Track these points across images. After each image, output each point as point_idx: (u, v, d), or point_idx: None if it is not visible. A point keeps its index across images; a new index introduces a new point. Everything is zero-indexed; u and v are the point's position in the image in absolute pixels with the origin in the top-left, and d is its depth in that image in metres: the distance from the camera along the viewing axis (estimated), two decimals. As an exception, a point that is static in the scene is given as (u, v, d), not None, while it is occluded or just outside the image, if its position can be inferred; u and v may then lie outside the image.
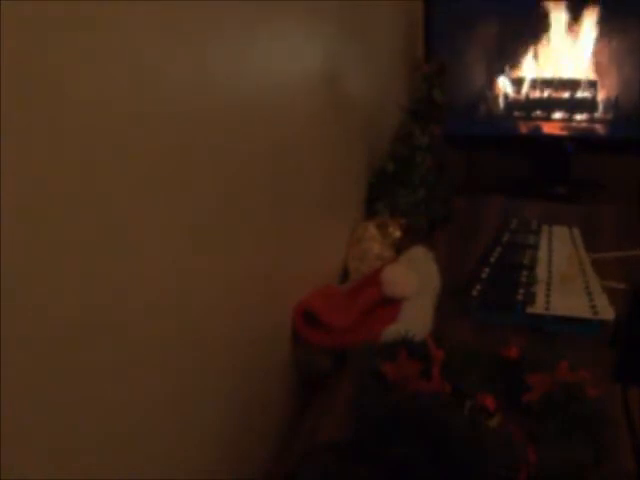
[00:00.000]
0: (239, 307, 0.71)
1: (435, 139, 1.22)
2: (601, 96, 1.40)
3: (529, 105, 1.47)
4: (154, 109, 0.53)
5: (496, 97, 1.48)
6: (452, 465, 0.57)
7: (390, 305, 0.93)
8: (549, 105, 1.45)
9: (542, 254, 1.09)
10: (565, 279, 0.99)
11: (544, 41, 1.42)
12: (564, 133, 1.45)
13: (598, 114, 1.41)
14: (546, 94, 1.45)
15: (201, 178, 0.61)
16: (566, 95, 1.43)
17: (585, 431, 0.62)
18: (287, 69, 0.82)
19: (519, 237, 1.17)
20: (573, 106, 1.43)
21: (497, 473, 0.56)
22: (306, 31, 0.90)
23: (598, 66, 1.39)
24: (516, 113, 1.48)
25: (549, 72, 1.44)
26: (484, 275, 1.02)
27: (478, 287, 0.99)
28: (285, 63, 0.82)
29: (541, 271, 1.03)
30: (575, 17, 1.38)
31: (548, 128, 1.46)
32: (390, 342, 0.76)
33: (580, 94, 1.42)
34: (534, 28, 1.42)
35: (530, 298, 0.94)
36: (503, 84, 1.47)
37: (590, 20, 1.37)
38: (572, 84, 1.42)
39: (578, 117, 1.44)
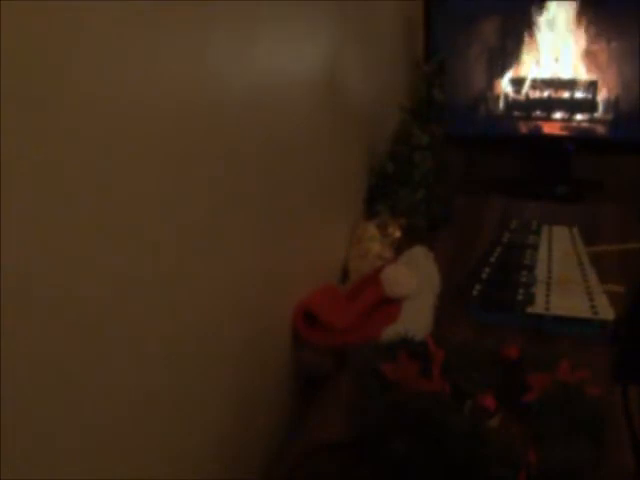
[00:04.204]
0: (239, 307, 0.71)
1: (435, 139, 1.22)
2: (601, 96, 1.40)
3: (529, 105, 1.47)
4: (152, 108, 0.53)
5: (496, 97, 1.48)
6: (452, 465, 0.57)
7: (390, 305, 0.93)
8: (549, 105, 1.45)
9: (542, 254, 1.09)
10: (563, 281, 0.99)
11: (544, 41, 1.42)
12: (564, 133, 1.45)
13: (598, 114, 1.41)
14: (546, 94, 1.45)
15: (200, 178, 0.61)
16: (566, 95, 1.43)
17: (585, 431, 0.62)
18: (287, 69, 0.82)
19: (519, 237, 1.17)
20: (573, 106, 1.43)
21: (497, 473, 0.56)
22: (306, 31, 0.90)
23: (598, 66, 1.39)
24: (516, 113, 1.48)
25: (549, 72, 1.44)
26: (484, 275, 1.02)
27: (478, 287, 0.99)
28: (285, 63, 0.82)
29: (541, 271, 1.03)
30: (575, 17, 1.38)
31: (548, 128, 1.46)
32: (390, 342, 0.76)
33: (580, 94, 1.42)
34: (534, 28, 1.41)
35: (530, 298, 0.94)
36: (503, 84, 1.47)
37: (590, 20, 1.37)
38: (572, 84, 1.42)
39: (578, 117, 1.44)
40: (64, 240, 0.43)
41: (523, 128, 1.49)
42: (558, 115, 1.45)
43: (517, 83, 1.46)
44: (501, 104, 1.48)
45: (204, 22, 0.60)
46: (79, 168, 0.44)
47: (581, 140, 1.44)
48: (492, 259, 1.08)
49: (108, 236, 0.48)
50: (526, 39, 1.43)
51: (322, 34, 0.97)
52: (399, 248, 1.11)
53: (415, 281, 0.96)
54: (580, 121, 1.44)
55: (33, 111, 0.40)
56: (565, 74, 1.43)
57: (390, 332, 0.83)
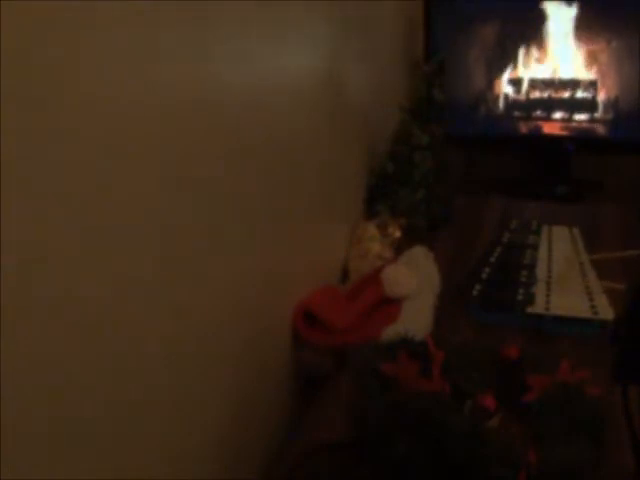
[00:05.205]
0: (239, 307, 0.71)
1: (435, 139, 1.22)
2: (601, 96, 1.40)
3: (529, 105, 1.47)
4: (152, 108, 0.53)
5: (496, 97, 1.48)
6: (452, 465, 0.57)
7: (390, 305, 0.93)
8: (549, 105, 1.45)
9: (542, 254, 1.09)
10: (563, 280, 0.99)
11: (544, 41, 1.42)
12: (564, 133, 1.45)
13: (598, 114, 1.41)
14: (546, 94, 1.45)
15: (199, 178, 0.61)
16: (566, 95, 1.43)
17: (585, 431, 0.62)
18: (287, 69, 0.82)
19: (519, 237, 1.17)
20: (573, 106, 1.43)
21: (497, 473, 0.56)
22: (306, 31, 0.90)
23: (598, 66, 1.39)
24: (516, 113, 1.48)
25: (549, 72, 1.44)
26: (484, 275, 1.02)
27: (478, 287, 0.99)
28: (285, 63, 0.82)
29: (541, 271, 1.03)
30: (575, 16, 1.38)
31: (548, 128, 1.46)
32: (390, 342, 0.76)
33: (580, 94, 1.42)
34: (534, 28, 1.41)
35: (530, 298, 0.94)
36: (503, 84, 1.47)
37: (590, 20, 1.37)
38: (572, 84, 1.42)
39: (578, 117, 1.44)
40: (64, 240, 0.43)
41: (523, 128, 1.49)
42: (558, 115, 1.45)
43: (517, 83, 1.46)
44: (501, 104, 1.48)
45: (204, 22, 0.60)
46: (79, 168, 0.44)
47: (581, 140, 1.44)
48: (492, 259, 1.08)
49: (108, 236, 0.48)
50: (526, 39, 1.43)
51: (322, 34, 0.97)
52: (399, 248, 1.11)
53: (415, 281, 0.96)
54: (580, 121, 1.44)
55: (33, 111, 0.40)
56: (565, 74, 1.43)
57: (390, 332, 0.82)
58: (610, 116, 1.41)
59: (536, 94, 1.46)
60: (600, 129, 1.42)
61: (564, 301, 0.93)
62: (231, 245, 0.69)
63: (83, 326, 0.46)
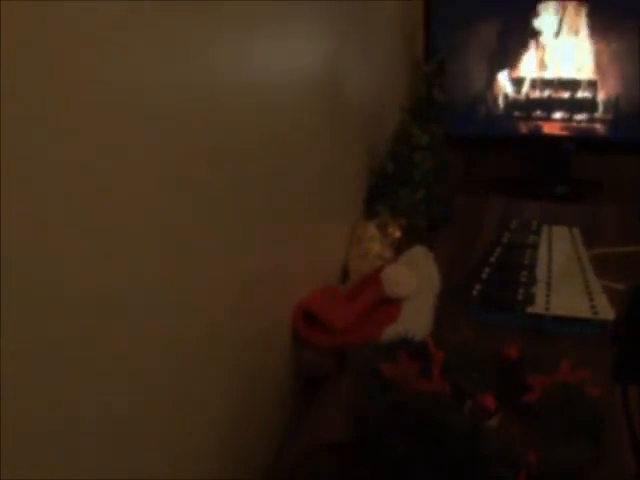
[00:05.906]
0: (239, 307, 0.71)
1: (435, 139, 1.22)
2: (601, 96, 1.40)
3: (529, 105, 1.47)
4: (152, 108, 0.53)
5: (496, 97, 1.48)
6: (452, 465, 0.57)
7: (390, 305, 0.93)
8: (549, 105, 1.45)
9: (542, 254, 1.09)
10: (563, 280, 0.99)
11: (544, 41, 1.42)
12: (564, 133, 1.45)
13: (598, 114, 1.41)
14: (546, 94, 1.45)
15: (199, 178, 0.61)
16: (566, 95, 1.43)
17: (585, 431, 0.62)
18: (287, 69, 0.82)
19: (519, 237, 1.17)
20: (573, 106, 1.43)
21: (497, 473, 0.56)
22: (305, 31, 0.90)
23: (598, 66, 1.39)
24: (516, 113, 1.48)
25: (549, 72, 1.44)
26: (484, 275, 1.02)
27: (478, 287, 0.99)
28: (285, 63, 0.82)
29: (541, 271, 1.03)
30: (575, 17, 1.38)
31: (548, 128, 1.46)
32: (390, 342, 0.76)
33: (580, 94, 1.42)
34: (534, 28, 1.41)
35: (530, 298, 0.94)
36: (503, 84, 1.47)
37: (590, 20, 1.37)
38: (572, 84, 1.42)
39: (578, 117, 1.44)
40: (64, 240, 0.43)
41: (523, 128, 1.49)
42: (558, 115, 1.45)
43: (517, 83, 1.46)
44: (501, 104, 1.48)
45: (204, 22, 0.60)
46: (79, 168, 0.44)
47: (581, 140, 1.44)
48: (492, 259, 1.08)
49: (108, 236, 0.48)
50: (526, 39, 1.43)
51: (322, 34, 0.97)
52: (399, 248, 1.11)
53: (415, 281, 0.96)
54: (580, 121, 1.44)
55: (33, 111, 0.40)
56: (565, 74, 1.43)
57: (390, 332, 0.83)
58: (610, 116, 1.41)
59: (536, 94, 1.46)
60: (600, 129, 1.42)
61: (564, 301, 0.93)
62: (231, 245, 0.69)
63: (83, 326, 0.46)
